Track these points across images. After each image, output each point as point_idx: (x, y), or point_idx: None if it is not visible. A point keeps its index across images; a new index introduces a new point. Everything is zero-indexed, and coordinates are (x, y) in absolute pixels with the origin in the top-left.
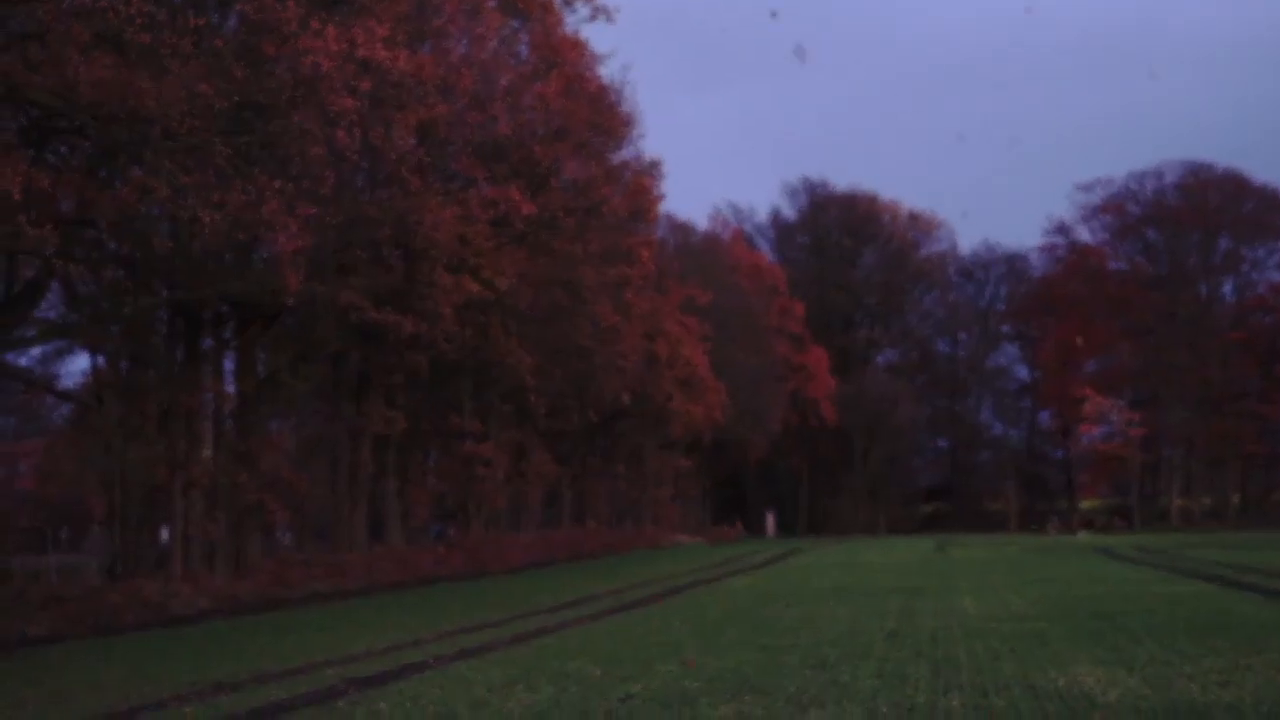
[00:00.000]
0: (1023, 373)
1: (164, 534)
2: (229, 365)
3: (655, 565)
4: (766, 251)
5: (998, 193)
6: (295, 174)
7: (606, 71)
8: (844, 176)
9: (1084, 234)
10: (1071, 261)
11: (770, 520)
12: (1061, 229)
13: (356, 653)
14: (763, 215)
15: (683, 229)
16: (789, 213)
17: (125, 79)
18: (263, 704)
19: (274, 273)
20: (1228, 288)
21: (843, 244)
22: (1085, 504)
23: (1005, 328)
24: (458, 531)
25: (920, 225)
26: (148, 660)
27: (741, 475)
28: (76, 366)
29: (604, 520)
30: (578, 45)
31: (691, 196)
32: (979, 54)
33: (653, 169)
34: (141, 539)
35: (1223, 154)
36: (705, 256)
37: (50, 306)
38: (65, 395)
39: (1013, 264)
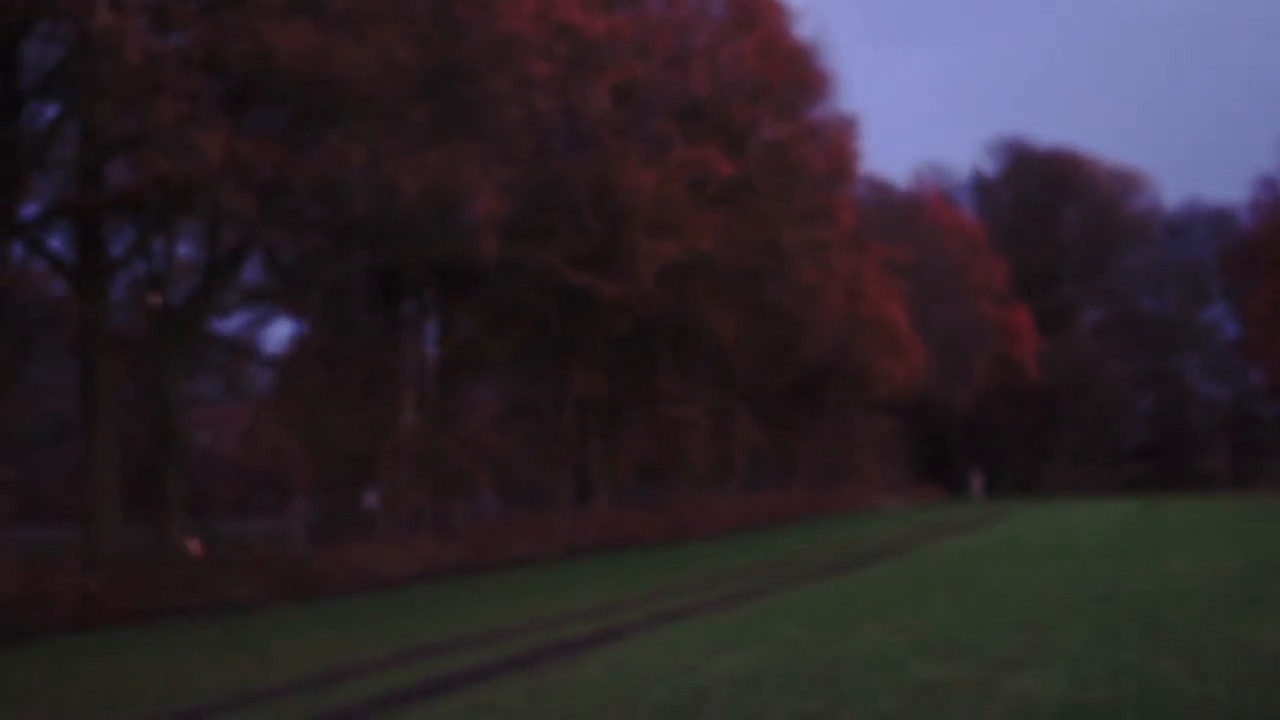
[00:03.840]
0: (1233, 330)
1: (368, 499)
2: (430, 330)
3: (860, 527)
4: (968, 210)
5: (1205, 146)
6: (493, 138)
7: (804, 30)
8: (1046, 132)
9: None
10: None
11: (975, 481)
12: (1267, 183)
13: (561, 616)
14: (963, 173)
15: (883, 188)
16: (990, 170)
17: (322, 44)
18: (468, 667)
19: (473, 237)
20: None
21: (1045, 201)
22: None
23: (1214, 284)
24: (661, 494)
25: (1124, 181)
26: (354, 624)
27: (946, 435)
28: (279, 332)
29: (807, 482)
30: (774, 4)
31: (891, 155)
32: (1185, 4)
33: (851, 126)
34: (346, 504)
35: None
36: (906, 215)
37: (252, 273)
38: (268, 361)
39: (1220, 219)
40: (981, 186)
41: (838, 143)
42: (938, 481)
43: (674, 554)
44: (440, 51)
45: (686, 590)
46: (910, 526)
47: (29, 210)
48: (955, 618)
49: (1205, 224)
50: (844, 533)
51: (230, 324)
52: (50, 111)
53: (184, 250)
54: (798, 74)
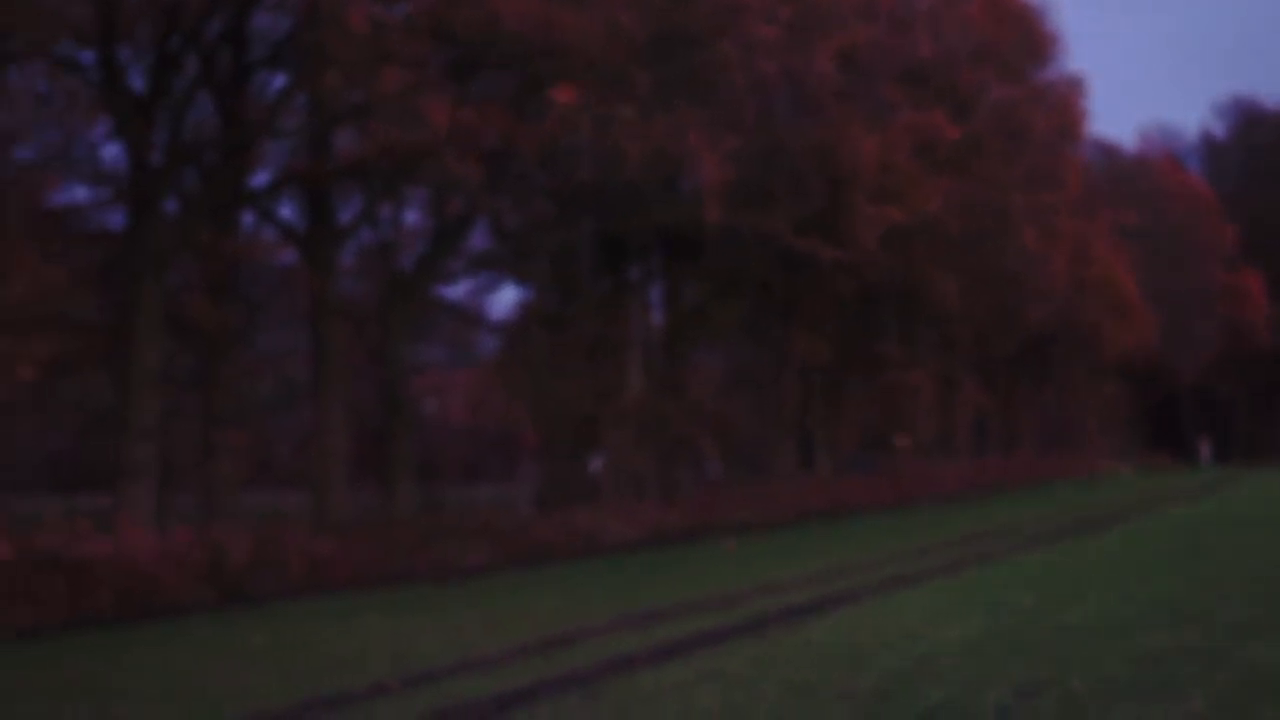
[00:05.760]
0: None
1: (592, 464)
2: (655, 296)
3: (1086, 493)
4: (1196, 172)
5: None
6: (717, 104)
7: None
8: (1276, 91)
9: None
10: None
11: (1204, 447)
12: None
13: (786, 581)
14: (1192, 135)
15: (1110, 151)
16: (1219, 132)
17: (546, 11)
18: (694, 632)
19: (697, 203)
20: None
21: (1276, 162)
22: None
23: None
24: (884, 460)
25: None
26: (580, 588)
27: (1173, 401)
28: (505, 298)
29: (1032, 448)
30: None
31: (1118, 118)
32: None
33: (1077, 88)
34: (571, 470)
35: None
36: (1134, 178)
37: (478, 239)
38: (494, 327)
39: None
40: (1210, 148)
41: (1064, 104)
42: (1165, 448)
43: (898, 520)
44: (665, 17)
45: (911, 556)
46: (1137, 493)
47: (259, 179)
48: (1184, 585)
49: None
50: (1070, 499)
51: (457, 290)
52: (279, 81)
53: (411, 218)
54: (1024, 35)
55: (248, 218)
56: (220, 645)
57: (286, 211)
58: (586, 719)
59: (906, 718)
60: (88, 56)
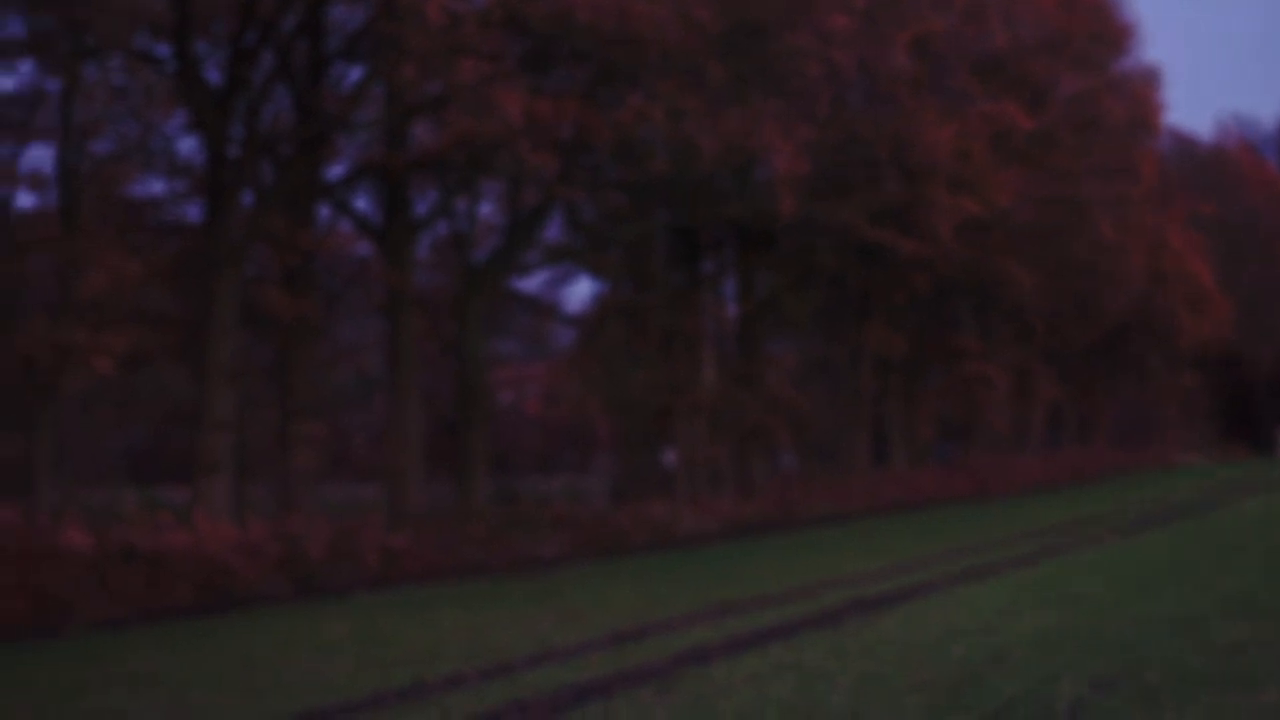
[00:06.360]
0: None
1: (667, 456)
2: (730, 287)
3: (1162, 485)
4: (1273, 162)
5: None
6: (791, 95)
7: None
8: None
9: None
10: None
11: None
12: None
13: (860, 574)
14: (1269, 125)
15: (1186, 142)
16: None
17: (620, 3)
18: (767, 625)
19: (771, 195)
20: None
21: None
22: None
23: None
24: (960, 453)
25: None
26: (654, 581)
27: (1249, 392)
28: (579, 291)
29: (1108, 440)
30: None
31: (1195, 109)
32: None
33: (1153, 79)
34: (646, 462)
35: None
36: (1210, 169)
37: (553, 231)
38: (569, 320)
39: None
40: None
41: (1139, 96)
42: (1241, 439)
43: (974, 512)
44: (738, 8)
45: (987, 549)
46: (1214, 485)
47: (335, 172)
48: (1259, 578)
49: None
50: (1146, 491)
51: (532, 282)
52: (355, 74)
53: (486, 210)
54: (1098, 26)
55: (324, 210)
56: (297, 637)
57: (362, 204)
58: (662, 711)
59: (981, 710)
60: (164, 50)
